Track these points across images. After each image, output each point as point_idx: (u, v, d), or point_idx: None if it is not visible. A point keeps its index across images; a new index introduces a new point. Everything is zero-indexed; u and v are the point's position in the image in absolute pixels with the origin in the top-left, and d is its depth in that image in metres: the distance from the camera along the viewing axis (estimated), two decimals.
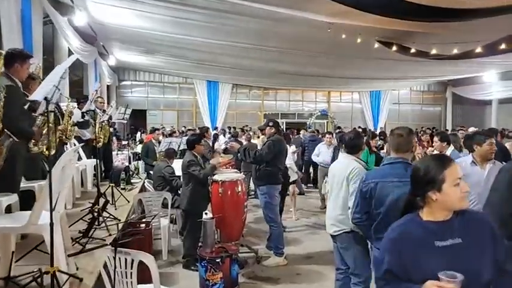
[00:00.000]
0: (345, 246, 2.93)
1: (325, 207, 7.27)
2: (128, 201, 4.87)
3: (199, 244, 4.18)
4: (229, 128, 14.79)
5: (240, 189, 4.42)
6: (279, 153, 4.43)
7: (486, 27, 6.95)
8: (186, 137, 6.04)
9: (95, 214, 3.32)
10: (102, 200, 3.94)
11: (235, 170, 5.62)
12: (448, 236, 1.43)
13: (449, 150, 4.00)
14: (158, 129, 9.53)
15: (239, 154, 4.75)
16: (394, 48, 8.75)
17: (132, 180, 6.53)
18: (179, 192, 5.28)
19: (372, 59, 10.60)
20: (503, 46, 7.21)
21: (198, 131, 8.44)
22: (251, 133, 9.81)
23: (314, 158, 7.43)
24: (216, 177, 4.45)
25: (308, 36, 8.45)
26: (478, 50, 7.74)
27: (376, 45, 8.72)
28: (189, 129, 12.49)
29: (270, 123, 4.56)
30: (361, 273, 2.86)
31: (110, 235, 3.27)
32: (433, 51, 8.76)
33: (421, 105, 20.61)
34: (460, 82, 17.91)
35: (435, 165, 1.47)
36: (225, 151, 6.30)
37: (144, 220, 4.09)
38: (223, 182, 4.39)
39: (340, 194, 2.90)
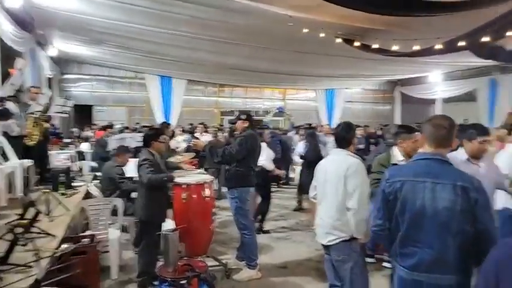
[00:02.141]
0: (341, 258, 2.45)
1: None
2: (68, 210, 4.04)
3: (159, 257, 3.52)
4: (183, 128, 13.51)
5: (207, 193, 3.77)
6: (252, 150, 3.82)
7: (446, 24, 6.96)
8: (140, 133, 5.28)
9: (18, 231, 2.50)
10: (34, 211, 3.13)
11: (200, 171, 4.95)
12: None
13: None
14: (111, 127, 8.41)
15: (203, 152, 4.12)
16: (357, 44, 8.60)
17: (73, 184, 5.65)
18: (131, 196, 4.55)
19: (329, 55, 10.45)
20: (462, 43, 7.28)
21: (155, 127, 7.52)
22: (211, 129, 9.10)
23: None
24: (178, 179, 3.75)
25: (265, 29, 7.98)
26: (438, 46, 7.75)
27: (338, 40, 8.51)
28: (144, 126, 10.99)
29: (242, 116, 3.90)
30: None
31: (40, 258, 2.51)
32: (394, 48, 8.73)
33: (372, 104, 21.25)
34: (408, 82, 18.70)
35: None
36: (187, 149, 5.60)
37: (88, 234, 3.32)
38: (187, 185, 3.73)
39: (336, 197, 2.42)
